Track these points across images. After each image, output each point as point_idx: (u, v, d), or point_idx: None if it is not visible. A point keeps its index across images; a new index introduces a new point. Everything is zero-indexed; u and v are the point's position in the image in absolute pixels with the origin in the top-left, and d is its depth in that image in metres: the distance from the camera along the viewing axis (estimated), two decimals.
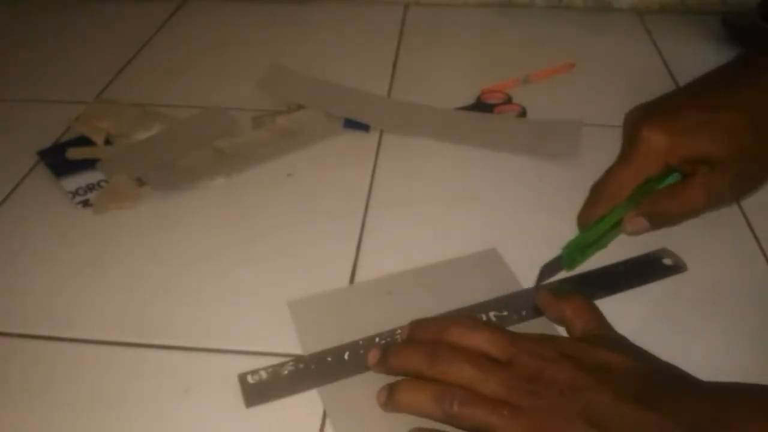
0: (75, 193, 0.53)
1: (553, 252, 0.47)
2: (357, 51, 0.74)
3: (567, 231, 0.50)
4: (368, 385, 0.37)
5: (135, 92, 0.66)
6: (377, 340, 0.40)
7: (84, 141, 0.58)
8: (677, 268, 0.46)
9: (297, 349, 0.41)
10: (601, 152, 0.46)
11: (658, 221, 0.41)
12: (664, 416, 0.31)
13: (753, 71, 0.41)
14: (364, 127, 0.60)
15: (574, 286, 0.44)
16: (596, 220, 0.42)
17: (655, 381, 0.34)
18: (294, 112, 0.61)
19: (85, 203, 0.52)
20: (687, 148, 0.40)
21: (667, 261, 0.46)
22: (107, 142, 0.58)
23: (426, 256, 0.47)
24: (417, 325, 0.39)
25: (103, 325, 0.43)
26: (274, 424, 0.37)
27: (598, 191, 0.43)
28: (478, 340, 0.36)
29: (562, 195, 0.52)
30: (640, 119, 0.41)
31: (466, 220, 0.50)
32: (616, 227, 0.43)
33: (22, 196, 0.54)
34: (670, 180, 0.41)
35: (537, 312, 0.42)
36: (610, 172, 0.43)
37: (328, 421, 0.37)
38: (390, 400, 0.35)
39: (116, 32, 0.78)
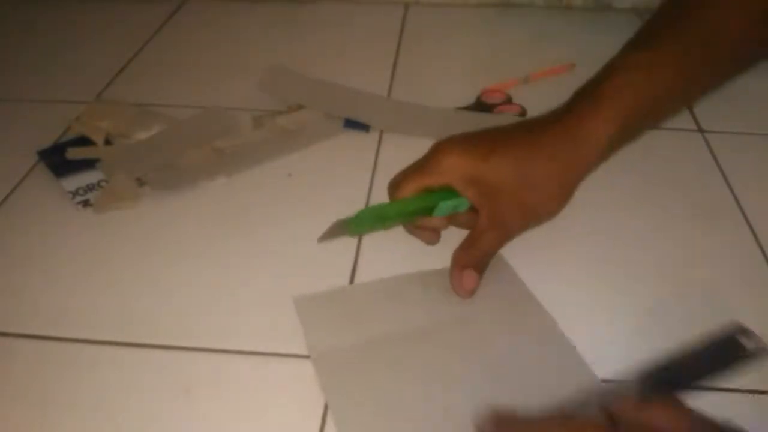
0: (75, 193, 0.53)
1: (556, 251, 0.47)
2: (357, 51, 0.74)
3: (566, 227, 0.50)
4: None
5: (135, 92, 0.66)
6: None
7: (84, 141, 0.58)
8: (759, 351, 0.37)
9: (300, 349, 0.41)
10: None
11: (477, 266, 0.43)
12: None
13: (558, 113, 0.44)
14: (364, 127, 0.60)
15: (647, 385, 0.36)
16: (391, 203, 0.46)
17: None
18: (294, 112, 0.61)
19: (85, 203, 0.52)
20: (470, 168, 0.43)
21: (745, 340, 0.37)
22: (107, 142, 0.58)
23: (425, 256, 0.46)
24: (503, 424, 0.34)
25: (103, 324, 0.43)
26: (275, 424, 0.37)
27: (389, 188, 0.46)
28: None
29: None
30: (443, 140, 0.45)
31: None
32: (403, 218, 0.46)
33: (22, 196, 0.54)
34: (449, 203, 0.44)
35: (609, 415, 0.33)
36: (402, 174, 0.45)
37: (328, 421, 0.37)
38: None
39: (116, 32, 0.78)
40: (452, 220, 0.47)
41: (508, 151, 0.43)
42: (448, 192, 0.44)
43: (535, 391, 0.37)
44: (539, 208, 0.44)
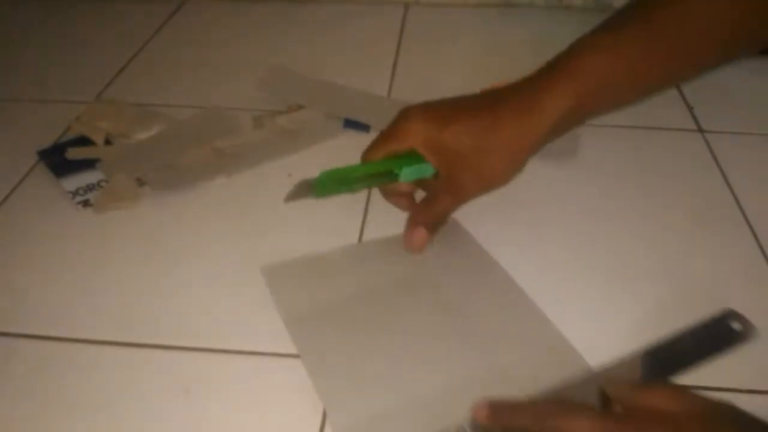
0: (75, 193, 0.53)
1: (554, 250, 0.47)
2: (357, 51, 0.74)
3: (565, 229, 0.50)
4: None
5: (135, 92, 0.66)
6: None
7: (84, 141, 0.58)
8: (747, 332, 0.40)
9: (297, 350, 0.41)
10: (601, 151, 0.46)
11: (430, 223, 0.46)
12: None
13: (517, 86, 0.45)
14: (364, 127, 0.60)
15: (634, 368, 0.38)
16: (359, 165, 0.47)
17: None
18: (294, 112, 0.61)
19: (85, 203, 0.52)
20: (431, 133, 0.44)
21: (736, 325, 0.40)
22: (107, 142, 0.58)
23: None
24: (499, 410, 0.34)
25: (103, 324, 0.43)
26: (275, 424, 0.37)
27: (362, 158, 0.47)
28: (580, 431, 0.31)
29: (562, 194, 0.53)
30: (409, 107, 0.46)
31: (464, 219, 0.50)
32: (370, 181, 0.47)
33: (22, 196, 0.54)
34: (413, 168, 0.45)
35: (607, 403, 0.35)
36: (371, 143, 0.47)
37: (328, 421, 0.37)
38: None
39: (116, 32, 0.78)
40: (421, 185, 0.48)
41: (469, 120, 0.44)
42: (413, 157, 0.45)
43: (498, 344, 0.41)
44: (493, 176, 0.45)
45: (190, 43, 0.76)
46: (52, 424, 0.37)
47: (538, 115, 0.43)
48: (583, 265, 0.46)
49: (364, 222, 0.51)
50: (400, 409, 0.37)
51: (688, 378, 0.37)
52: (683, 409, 0.32)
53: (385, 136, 0.46)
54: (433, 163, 0.45)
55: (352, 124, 0.60)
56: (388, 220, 0.49)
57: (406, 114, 0.46)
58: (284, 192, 0.53)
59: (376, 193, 0.52)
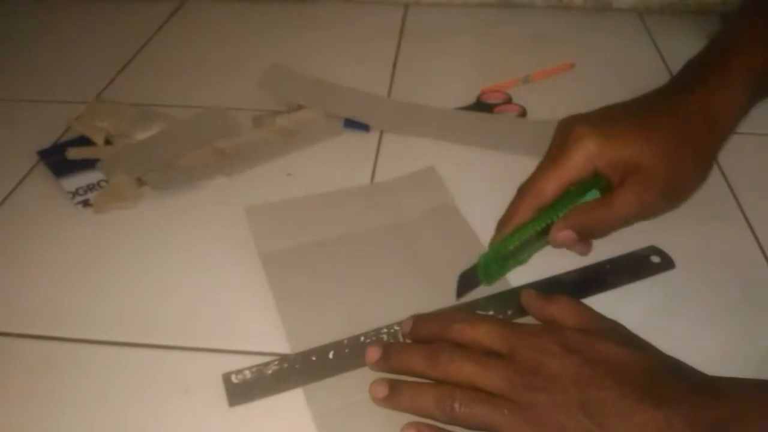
0: (75, 193, 0.53)
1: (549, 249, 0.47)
2: (357, 51, 0.74)
3: None
4: (352, 383, 0.38)
5: (135, 92, 0.66)
6: (362, 339, 0.40)
7: (84, 141, 0.58)
8: (665, 265, 0.45)
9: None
10: None
11: (585, 232, 0.41)
12: (673, 414, 0.31)
13: (688, 87, 0.43)
14: (364, 127, 0.60)
15: (557, 286, 0.44)
16: (518, 226, 0.42)
17: (662, 376, 0.33)
18: (294, 112, 0.61)
19: (85, 203, 0.52)
20: (618, 150, 0.41)
21: (655, 259, 0.46)
22: (107, 142, 0.58)
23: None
24: (418, 321, 0.39)
25: (103, 325, 0.43)
26: (275, 423, 0.37)
27: (523, 192, 0.43)
28: (478, 335, 0.36)
29: None
30: (574, 122, 0.42)
31: (465, 220, 0.50)
32: (539, 241, 0.42)
33: (22, 196, 0.54)
34: (592, 195, 0.42)
35: (523, 311, 0.41)
36: (537, 172, 0.42)
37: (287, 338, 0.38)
38: (391, 400, 0.35)
39: (116, 32, 0.78)
40: None
41: (651, 133, 0.41)
42: (570, 197, 0.42)
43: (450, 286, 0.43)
44: (683, 188, 0.43)
45: (190, 43, 0.76)
46: (52, 424, 0.37)
47: (719, 119, 0.42)
48: (570, 264, 0.46)
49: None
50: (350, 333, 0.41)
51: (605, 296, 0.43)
52: (574, 322, 0.37)
53: (554, 164, 0.41)
54: (614, 182, 0.41)
55: (352, 124, 0.60)
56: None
57: (576, 132, 0.41)
58: (284, 192, 0.53)
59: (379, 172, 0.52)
